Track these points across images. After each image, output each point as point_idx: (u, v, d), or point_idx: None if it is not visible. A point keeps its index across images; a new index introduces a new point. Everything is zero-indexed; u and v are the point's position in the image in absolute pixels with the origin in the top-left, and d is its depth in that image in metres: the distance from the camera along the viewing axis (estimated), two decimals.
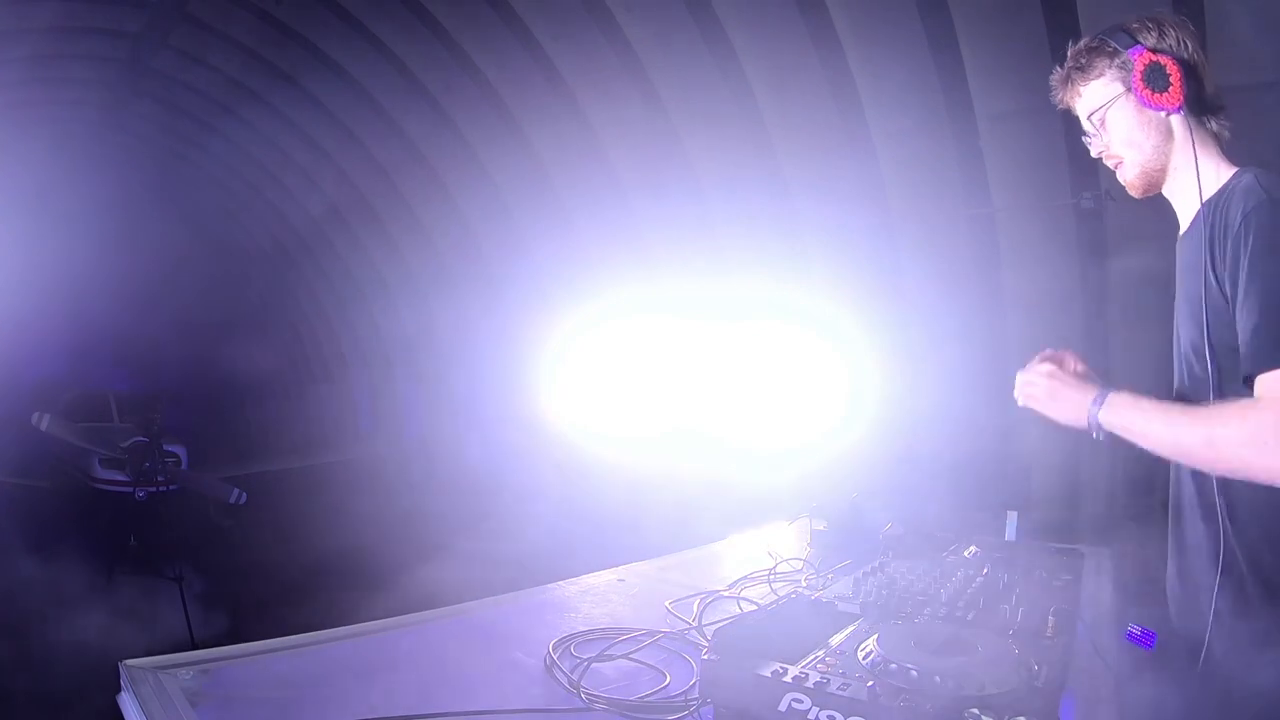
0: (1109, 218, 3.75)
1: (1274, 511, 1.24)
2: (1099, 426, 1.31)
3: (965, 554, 1.75)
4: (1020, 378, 1.41)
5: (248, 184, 10.60)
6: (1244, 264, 1.21)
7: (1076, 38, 1.48)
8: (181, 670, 1.29)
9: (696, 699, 1.18)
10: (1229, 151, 1.40)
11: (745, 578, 1.97)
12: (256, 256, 12.32)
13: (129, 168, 11.45)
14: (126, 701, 1.22)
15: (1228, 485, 1.28)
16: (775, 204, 5.11)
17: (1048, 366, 1.40)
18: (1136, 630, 1.42)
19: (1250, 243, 1.21)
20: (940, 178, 4.31)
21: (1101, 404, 1.30)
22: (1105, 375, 1.41)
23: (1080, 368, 1.45)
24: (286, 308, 12.66)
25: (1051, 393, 1.37)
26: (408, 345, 9.79)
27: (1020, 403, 1.40)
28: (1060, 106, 1.51)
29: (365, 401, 11.32)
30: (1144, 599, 1.49)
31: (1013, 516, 2.26)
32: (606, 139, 6.05)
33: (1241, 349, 1.22)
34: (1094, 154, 1.48)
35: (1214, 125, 1.40)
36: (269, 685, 1.31)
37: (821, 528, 2.22)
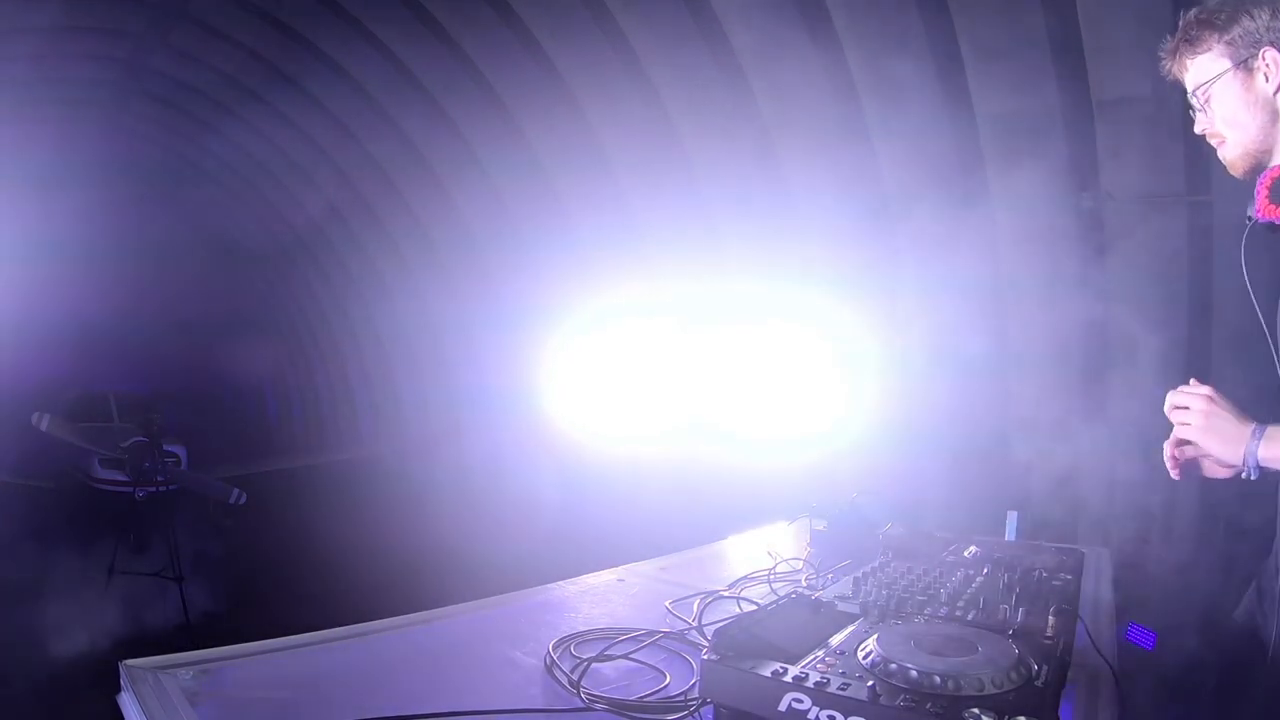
0: (1108, 216, 3.75)
1: None
2: (1255, 464, 1.24)
3: (965, 554, 1.74)
4: (1173, 398, 1.34)
5: (248, 184, 10.60)
6: None
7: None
8: (181, 670, 1.29)
9: (696, 699, 1.18)
10: None
11: (745, 578, 1.96)
12: (256, 256, 12.33)
13: (129, 167, 11.44)
14: (126, 701, 1.22)
15: None
16: (775, 203, 5.11)
17: (1206, 391, 1.30)
18: (1137, 630, 1.42)
19: None
20: (940, 177, 4.31)
21: (1260, 438, 1.23)
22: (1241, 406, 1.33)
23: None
24: (286, 307, 12.67)
25: (1208, 423, 1.28)
26: (407, 344, 9.80)
27: (1175, 425, 1.32)
28: (1169, 79, 1.47)
29: (365, 401, 11.33)
30: (1144, 599, 1.49)
31: (1013, 516, 2.25)
32: (606, 138, 6.05)
33: None
34: (1197, 130, 1.44)
35: None
36: (269, 685, 1.31)
37: (821, 528, 2.22)
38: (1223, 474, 1.33)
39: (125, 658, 1.30)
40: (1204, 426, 1.28)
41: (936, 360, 4.41)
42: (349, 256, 10.12)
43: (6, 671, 4.11)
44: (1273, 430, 1.24)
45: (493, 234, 7.70)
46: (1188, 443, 1.34)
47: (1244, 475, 1.27)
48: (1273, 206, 1.32)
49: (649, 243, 6.09)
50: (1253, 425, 1.25)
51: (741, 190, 5.31)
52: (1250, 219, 1.37)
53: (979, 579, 1.54)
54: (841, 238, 4.78)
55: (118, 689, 1.26)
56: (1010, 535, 2.24)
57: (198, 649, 1.38)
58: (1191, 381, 1.35)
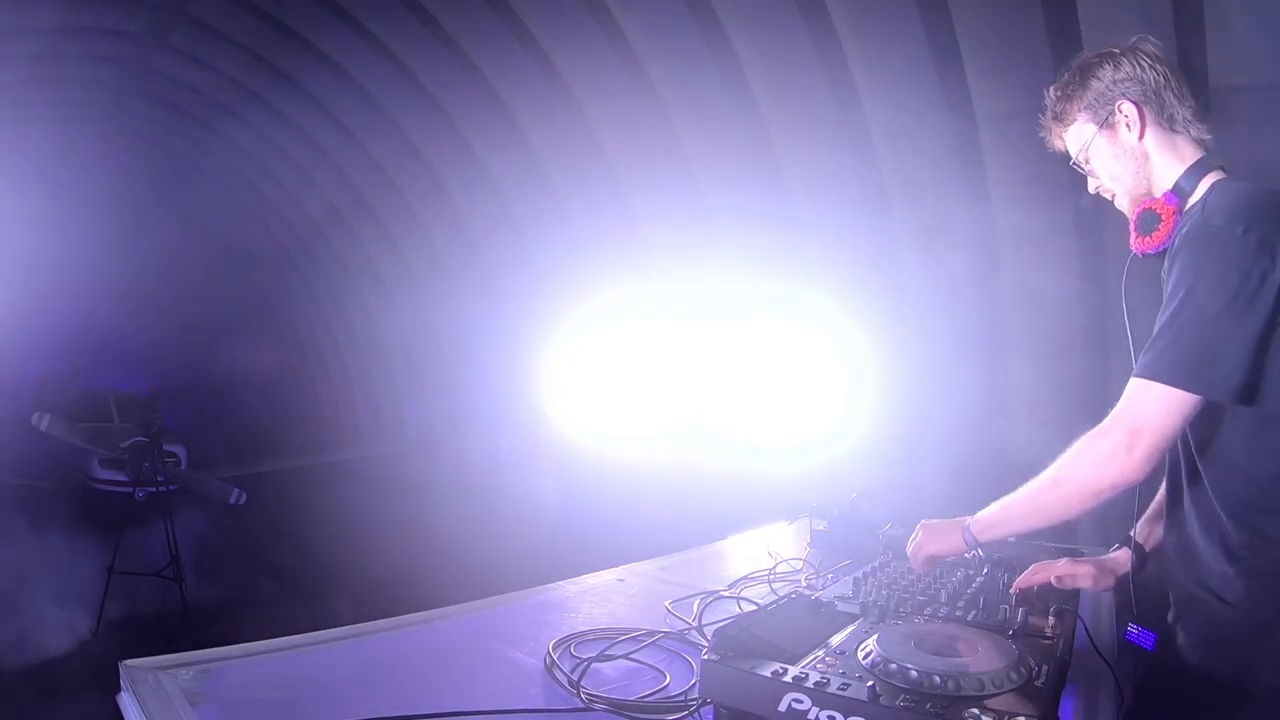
0: (1108, 216, 3.75)
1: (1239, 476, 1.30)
2: (975, 541, 1.50)
3: (966, 554, 1.74)
4: (910, 547, 1.59)
5: (247, 184, 10.60)
6: (1172, 274, 1.28)
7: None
8: (181, 670, 1.29)
9: (696, 699, 1.19)
10: (1234, 153, 1.45)
11: (745, 578, 1.97)
12: (256, 256, 12.32)
13: (129, 167, 11.45)
14: (126, 701, 1.22)
15: (1200, 457, 1.35)
16: (774, 202, 5.11)
17: (922, 521, 1.60)
18: (1136, 630, 1.42)
19: (1179, 260, 1.27)
20: (940, 177, 4.31)
21: (969, 521, 1.50)
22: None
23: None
24: (286, 307, 12.66)
25: (930, 535, 1.56)
26: (407, 344, 9.80)
27: (913, 557, 1.57)
28: (1060, 153, 1.59)
29: (365, 401, 11.32)
30: (1144, 599, 1.50)
31: None
32: (605, 137, 6.05)
33: None
34: (1091, 192, 1.56)
35: (1193, 132, 1.43)
36: (269, 685, 1.31)
37: (821, 528, 2.22)
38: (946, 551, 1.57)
39: (125, 658, 1.30)
40: (928, 538, 1.55)
41: (937, 360, 4.41)
42: (349, 256, 10.11)
43: (7, 671, 4.11)
44: (981, 513, 1.49)
45: (493, 234, 7.70)
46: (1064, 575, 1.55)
47: (973, 554, 1.56)
48: (1140, 239, 1.44)
49: (649, 242, 6.09)
50: (965, 519, 1.51)
51: (741, 190, 5.31)
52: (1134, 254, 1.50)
53: (979, 579, 1.55)
54: (841, 238, 4.78)
55: (118, 689, 1.26)
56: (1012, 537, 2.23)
57: (198, 649, 1.38)
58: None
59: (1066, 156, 1.57)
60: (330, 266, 10.70)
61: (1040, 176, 3.93)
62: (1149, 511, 1.66)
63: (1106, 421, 1.32)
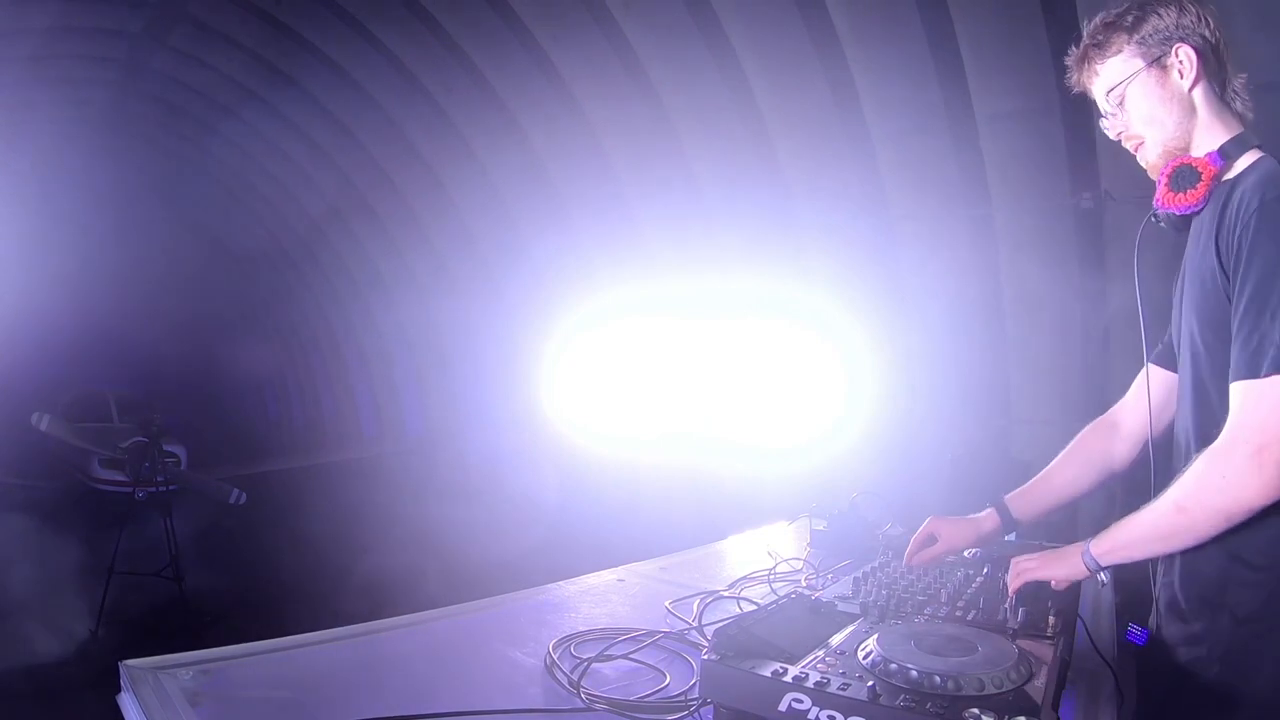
0: (1108, 217, 3.75)
1: None
2: (1098, 566, 1.34)
3: (965, 554, 1.74)
4: (1013, 567, 1.44)
5: (248, 184, 10.61)
6: (1243, 256, 1.19)
7: (1078, 36, 1.46)
8: (181, 670, 1.29)
9: (696, 699, 1.18)
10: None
11: (745, 578, 1.96)
12: (256, 256, 12.33)
13: (129, 168, 11.45)
14: (126, 701, 1.22)
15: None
16: (774, 203, 5.11)
17: (1034, 553, 1.44)
18: (1136, 630, 1.42)
19: (1250, 237, 1.18)
20: (940, 178, 4.32)
21: (1089, 546, 1.35)
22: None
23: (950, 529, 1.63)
24: (286, 307, 12.68)
25: (1044, 562, 1.40)
26: (407, 344, 9.80)
27: (1015, 585, 1.39)
28: (1075, 89, 1.48)
29: (365, 401, 11.33)
30: (1144, 599, 1.49)
31: None
32: (605, 138, 6.06)
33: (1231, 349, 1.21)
34: (1112, 136, 1.44)
35: (1238, 105, 1.37)
36: (269, 685, 1.30)
37: (821, 528, 2.22)
38: (1062, 576, 1.41)
39: (125, 658, 1.30)
40: (1043, 564, 1.39)
41: (936, 360, 4.41)
42: (349, 256, 10.12)
43: (6, 671, 4.10)
44: (1097, 536, 1.34)
45: (493, 234, 7.71)
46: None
47: (1100, 581, 1.42)
48: (1172, 195, 1.33)
49: (649, 243, 6.10)
50: (1080, 543, 1.37)
51: (741, 190, 5.31)
52: (1154, 214, 1.39)
53: (979, 579, 1.55)
54: (841, 237, 4.78)
55: (118, 689, 1.25)
56: (1010, 535, 2.23)
57: (198, 649, 1.38)
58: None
59: (1079, 107, 1.49)
60: (330, 266, 10.71)
61: (1040, 176, 3.93)
62: (1028, 485, 1.68)
63: (1225, 436, 1.18)
